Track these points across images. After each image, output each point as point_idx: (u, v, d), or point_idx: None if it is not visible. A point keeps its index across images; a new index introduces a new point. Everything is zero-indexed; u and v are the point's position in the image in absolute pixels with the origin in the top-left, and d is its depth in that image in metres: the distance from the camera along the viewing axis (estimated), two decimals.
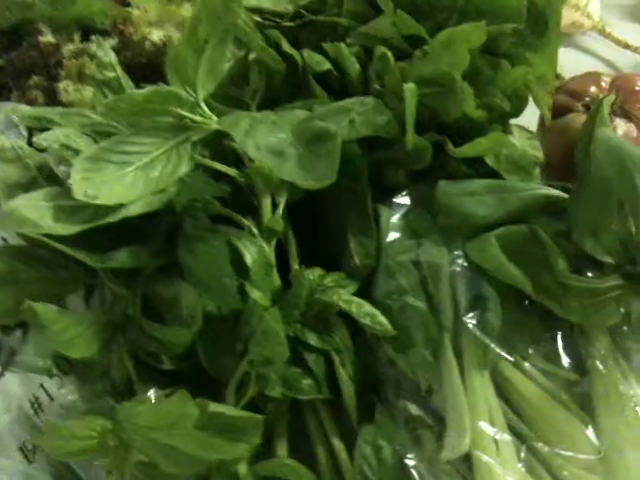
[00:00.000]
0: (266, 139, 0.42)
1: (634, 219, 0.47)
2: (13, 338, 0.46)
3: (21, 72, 0.67)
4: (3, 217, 0.44)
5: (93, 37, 0.70)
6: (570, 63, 0.83)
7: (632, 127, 0.66)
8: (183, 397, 0.37)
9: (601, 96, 0.66)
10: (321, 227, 0.54)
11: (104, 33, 0.71)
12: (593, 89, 0.68)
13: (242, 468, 0.41)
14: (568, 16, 0.86)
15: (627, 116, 0.66)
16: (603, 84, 0.68)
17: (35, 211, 0.44)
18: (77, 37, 0.71)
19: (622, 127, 0.65)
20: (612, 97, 0.61)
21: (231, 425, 0.38)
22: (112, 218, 0.44)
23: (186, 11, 0.70)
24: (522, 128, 0.55)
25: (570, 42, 0.88)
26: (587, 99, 0.67)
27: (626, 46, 0.84)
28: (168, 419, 0.37)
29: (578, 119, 0.66)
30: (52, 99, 0.64)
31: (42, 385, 0.44)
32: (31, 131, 0.56)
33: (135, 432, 0.37)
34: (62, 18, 0.71)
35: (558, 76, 0.80)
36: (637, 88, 0.68)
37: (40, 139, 0.47)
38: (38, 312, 0.39)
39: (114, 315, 0.45)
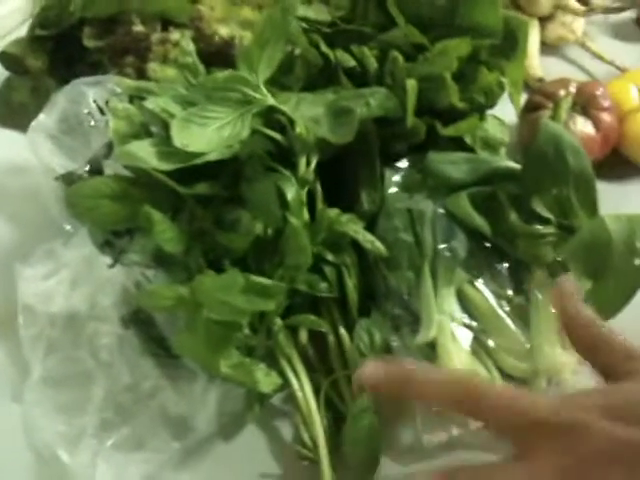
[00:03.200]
0: (307, 112, 0.62)
1: (566, 185, 0.65)
2: (122, 240, 0.65)
3: (117, 53, 0.86)
4: (121, 154, 0.63)
5: (171, 28, 0.90)
6: (555, 71, 1.01)
7: (589, 125, 0.83)
8: (235, 272, 0.57)
9: (566, 97, 0.84)
10: (341, 181, 0.72)
11: (180, 25, 0.90)
12: (562, 92, 0.86)
13: (277, 321, 0.62)
14: (555, 31, 1.03)
15: (586, 115, 0.84)
16: (571, 88, 0.86)
17: (144, 152, 0.63)
18: (159, 27, 0.90)
19: (580, 123, 0.83)
20: (569, 99, 0.79)
21: (265, 290, 0.58)
22: (197, 161, 0.62)
23: (245, 12, 0.90)
24: (495, 117, 0.73)
25: (556, 53, 1.05)
26: (556, 99, 0.85)
27: (601, 58, 1.01)
28: (225, 284, 0.57)
29: (547, 115, 0.84)
30: (142, 75, 0.83)
31: (143, 273, 0.64)
32: (131, 99, 0.75)
33: (203, 293, 0.57)
34: (148, 11, 0.90)
35: (541, 80, 0.98)
36: (597, 93, 0.84)
37: (147, 103, 0.66)
38: (152, 214, 0.59)
39: (193, 228, 0.64)
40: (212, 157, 0.63)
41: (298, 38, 0.71)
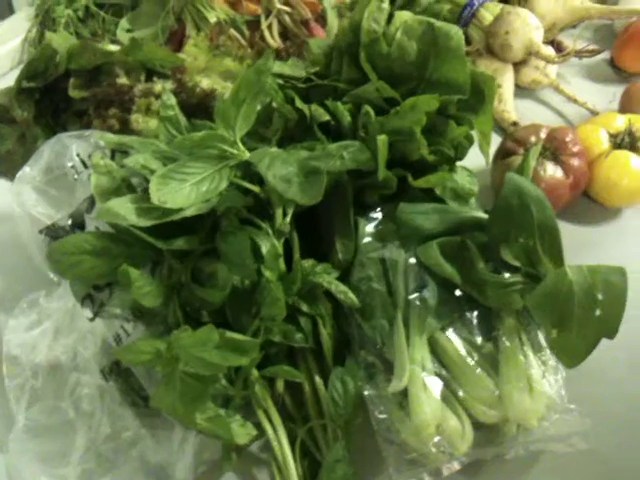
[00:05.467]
0: (279, 171, 0.64)
1: (532, 236, 0.67)
2: (102, 294, 0.67)
3: (101, 104, 0.89)
4: (102, 211, 0.65)
5: (155, 78, 0.93)
6: (529, 113, 1.05)
7: (559, 170, 0.86)
8: (210, 328, 0.59)
9: (536, 144, 0.86)
10: (316, 231, 0.75)
11: (163, 75, 0.93)
12: (533, 138, 0.88)
13: (254, 373, 0.63)
14: (529, 74, 1.07)
15: (556, 161, 0.86)
16: (542, 134, 0.88)
17: (124, 209, 0.65)
18: (143, 77, 0.93)
19: (550, 169, 0.86)
20: (539, 147, 0.82)
21: (239, 345, 0.59)
22: (175, 217, 0.65)
23: (227, 63, 0.93)
24: (464, 168, 0.76)
25: (530, 95, 1.08)
26: (527, 145, 0.88)
27: (574, 101, 1.04)
28: (201, 340, 0.58)
29: (518, 160, 0.86)
30: (125, 126, 0.86)
31: (122, 326, 0.66)
32: (113, 152, 0.77)
33: (180, 348, 0.59)
34: (132, 62, 0.93)
35: (515, 124, 1.01)
36: (567, 139, 0.87)
37: (127, 161, 0.68)
38: (130, 272, 0.61)
39: (171, 282, 0.66)
40: (190, 212, 0.66)
41: (274, 94, 0.74)
